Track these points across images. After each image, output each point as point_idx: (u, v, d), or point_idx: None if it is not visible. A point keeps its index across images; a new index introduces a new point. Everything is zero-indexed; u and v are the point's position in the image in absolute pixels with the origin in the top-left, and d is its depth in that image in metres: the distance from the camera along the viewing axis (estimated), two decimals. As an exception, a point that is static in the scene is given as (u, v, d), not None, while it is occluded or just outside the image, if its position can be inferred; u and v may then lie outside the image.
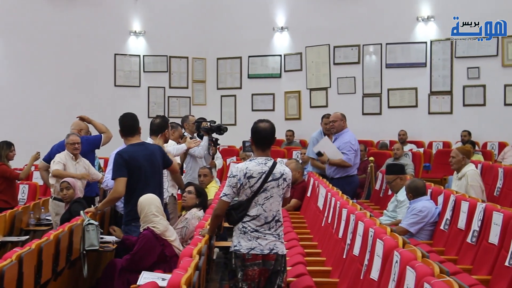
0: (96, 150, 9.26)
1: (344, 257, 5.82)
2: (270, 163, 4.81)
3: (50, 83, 16.07)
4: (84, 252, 6.31)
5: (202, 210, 7.04)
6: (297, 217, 9.43)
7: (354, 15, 15.89)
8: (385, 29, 15.58)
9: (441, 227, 6.99)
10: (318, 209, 8.36)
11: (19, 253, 4.96)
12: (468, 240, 6.24)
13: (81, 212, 6.64)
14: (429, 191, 7.70)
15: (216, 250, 8.31)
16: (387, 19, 15.58)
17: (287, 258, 5.02)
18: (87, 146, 8.69)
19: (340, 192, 7.79)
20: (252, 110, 17.03)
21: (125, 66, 16.89)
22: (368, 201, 10.78)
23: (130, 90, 16.90)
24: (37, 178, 11.63)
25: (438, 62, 15.11)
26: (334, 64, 16.20)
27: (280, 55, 16.96)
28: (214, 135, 9.37)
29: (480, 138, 14.35)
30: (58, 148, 8.54)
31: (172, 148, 7.96)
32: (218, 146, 9.79)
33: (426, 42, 15.24)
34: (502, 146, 13.74)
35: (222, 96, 17.54)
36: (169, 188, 7.77)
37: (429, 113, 15.29)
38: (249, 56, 17.19)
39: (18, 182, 10.54)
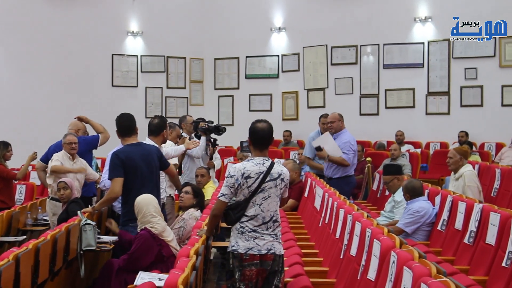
0: (94, 150, 9.25)
1: (341, 257, 5.83)
2: (268, 163, 4.81)
3: (47, 83, 16.06)
4: (81, 252, 6.31)
5: (199, 210, 7.04)
6: (294, 217, 9.44)
7: (351, 15, 15.90)
8: (383, 29, 15.59)
9: (438, 228, 7.00)
10: (315, 209, 8.36)
11: (16, 253, 4.95)
12: (465, 240, 6.25)
13: (78, 212, 6.63)
14: (426, 191, 7.70)
15: (214, 250, 8.30)
16: (384, 19, 15.59)
17: (284, 259, 5.02)
18: (85, 146, 8.68)
19: (337, 193, 7.78)
20: (250, 110, 17.04)
21: (122, 66, 16.88)
22: (365, 202, 10.79)
23: (128, 90, 16.89)
24: (34, 178, 11.61)
25: (435, 62, 15.13)
26: (332, 64, 16.21)
27: (278, 56, 16.96)
28: (213, 135, 9.37)
29: (478, 139, 14.36)
30: (56, 148, 8.53)
31: (170, 149, 7.96)
32: (216, 146, 9.78)
33: (423, 43, 15.26)
34: (499, 146, 13.75)
35: (219, 96, 17.53)
36: (167, 188, 7.77)
37: (427, 113, 15.31)
38: (247, 57, 17.19)
39: (16, 182, 10.54)
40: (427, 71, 15.20)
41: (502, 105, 14.42)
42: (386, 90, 15.70)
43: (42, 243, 5.46)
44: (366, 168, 11.40)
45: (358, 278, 4.96)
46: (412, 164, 12.70)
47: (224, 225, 6.78)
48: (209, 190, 8.73)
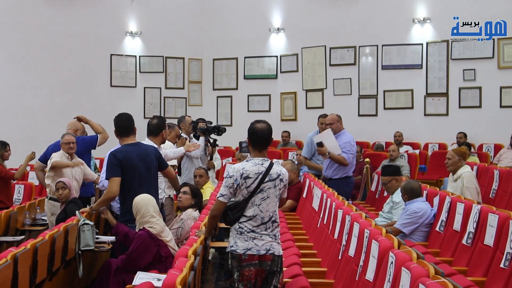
0: (92, 151, 9.25)
1: (339, 258, 5.83)
2: (266, 164, 4.81)
3: (46, 83, 16.07)
4: (80, 252, 6.30)
5: (197, 211, 7.04)
6: (292, 218, 9.43)
7: (350, 16, 15.91)
8: (381, 30, 15.60)
9: (437, 229, 7.00)
10: (313, 210, 8.36)
11: (14, 253, 4.94)
12: (464, 241, 6.25)
13: (77, 212, 6.63)
14: (424, 192, 7.71)
15: (212, 250, 8.30)
16: (383, 20, 15.60)
17: (283, 259, 5.02)
18: (83, 146, 8.68)
19: (336, 193, 7.78)
20: (248, 111, 17.05)
21: (121, 66, 16.88)
22: (363, 202, 10.79)
23: (126, 90, 16.89)
24: (32, 178, 11.60)
25: (434, 64, 15.13)
26: (330, 65, 16.22)
27: (276, 56, 16.97)
28: (213, 135, 9.37)
29: (476, 140, 14.37)
30: (54, 148, 8.52)
31: (169, 151, 7.95)
32: (216, 147, 9.77)
33: (422, 44, 15.27)
34: (497, 148, 13.76)
35: (218, 96, 17.55)
36: (166, 189, 7.76)
37: (425, 114, 15.31)
38: (245, 57, 17.21)
39: (14, 182, 10.54)
40: (425, 72, 15.22)
41: (501, 106, 14.43)
42: (384, 91, 15.72)
43: (40, 243, 5.45)
44: (364, 169, 11.39)
45: (356, 278, 4.96)
46: (411, 165, 12.71)
47: (223, 225, 6.78)
48: (207, 191, 8.73)
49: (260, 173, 4.75)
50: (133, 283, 5.06)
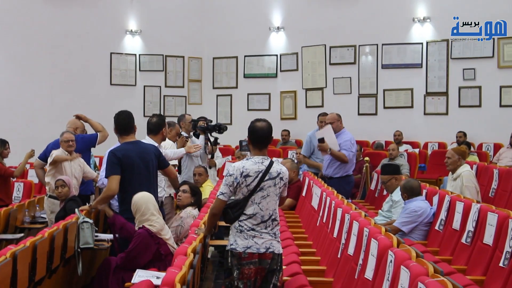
0: (92, 149, 9.25)
1: (338, 256, 5.83)
2: (266, 162, 4.81)
3: (46, 81, 16.06)
4: (79, 250, 6.30)
5: (197, 209, 7.04)
6: (292, 216, 9.44)
7: (350, 15, 15.90)
8: (381, 29, 15.59)
9: (436, 228, 7.01)
10: (313, 208, 8.37)
11: (13, 250, 4.95)
12: (463, 240, 6.25)
13: (76, 210, 6.63)
14: (424, 191, 7.71)
15: (211, 248, 8.30)
16: (383, 20, 15.58)
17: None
18: (83, 145, 8.68)
19: (335, 192, 7.79)
20: (248, 109, 17.04)
21: (121, 65, 16.88)
22: (363, 201, 10.81)
23: (126, 89, 16.88)
24: (32, 176, 11.62)
25: (434, 63, 15.13)
26: (330, 64, 16.21)
27: (276, 55, 16.96)
28: (214, 134, 9.37)
29: (476, 139, 14.37)
30: (54, 146, 8.53)
31: (170, 151, 7.95)
32: (217, 145, 9.78)
33: (422, 43, 15.26)
34: (497, 147, 13.77)
35: (218, 95, 17.54)
36: (166, 188, 7.76)
37: (425, 114, 15.31)
38: (245, 56, 17.20)
39: (13, 180, 10.54)
40: (425, 71, 15.21)
41: (500, 105, 14.42)
42: (384, 90, 15.71)
43: (40, 240, 5.45)
44: (364, 168, 11.40)
45: (356, 277, 4.96)
46: (410, 164, 12.72)
47: (222, 223, 6.78)
48: (207, 189, 8.73)
49: (260, 171, 4.75)
50: (132, 281, 5.06)
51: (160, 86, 17.17)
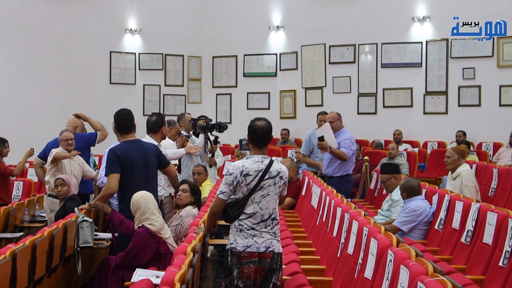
0: (92, 148, 9.25)
1: (338, 255, 5.83)
2: (266, 161, 4.81)
3: (45, 80, 16.06)
4: (78, 249, 6.30)
5: (196, 208, 7.03)
6: (291, 215, 9.44)
7: (350, 14, 15.89)
8: (381, 29, 15.59)
9: (436, 227, 7.01)
10: (312, 207, 8.36)
11: (13, 249, 4.95)
12: (462, 240, 6.25)
13: (76, 209, 6.63)
14: (423, 190, 7.71)
15: (211, 248, 8.30)
16: (382, 19, 15.58)
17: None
18: (82, 144, 8.68)
19: (335, 191, 7.78)
20: (248, 108, 17.04)
21: (120, 63, 16.87)
22: (362, 200, 10.81)
23: (126, 87, 16.87)
24: (31, 175, 11.63)
25: (433, 62, 15.12)
26: (330, 63, 16.21)
27: (276, 54, 16.96)
28: (215, 132, 9.37)
29: (475, 139, 14.36)
30: (53, 145, 8.54)
31: (170, 151, 7.95)
32: (217, 144, 9.78)
33: (421, 42, 15.25)
34: (497, 146, 13.77)
35: (217, 94, 17.55)
36: (166, 187, 7.76)
37: (424, 113, 15.30)
38: (245, 55, 17.20)
39: (13, 178, 10.54)
40: (425, 70, 15.20)
41: (500, 105, 14.41)
42: (384, 89, 15.71)
43: (39, 239, 5.45)
44: (363, 167, 11.40)
45: (355, 276, 4.96)
46: (410, 163, 12.72)
47: (222, 222, 6.79)
48: (206, 188, 8.73)
49: (260, 170, 4.75)
50: (131, 280, 5.05)
51: (159, 85, 17.17)
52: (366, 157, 11.75)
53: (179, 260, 4.50)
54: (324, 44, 16.23)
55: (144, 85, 17.05)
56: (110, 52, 16.72)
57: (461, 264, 6.01)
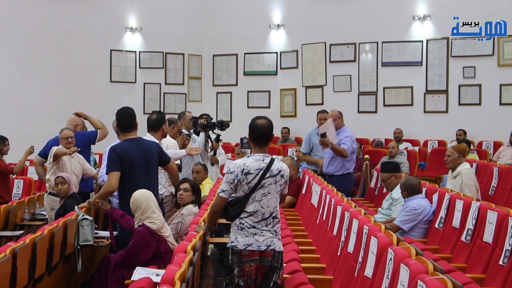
0: (92, 146, 9.24)
1: (338, 254, 5.83)
2: (267, 160, 4.81)
3: (46, 78, 16.05)
4: (79, 247, 6.30)
5: (197, 206, 7.03)
6: (292, 214, 9.44)
7: (350, 13, 15.90)
8: (381, 27, 15.59)
9: (436, 225, 7.01)
10: (312, 206, 8.36)
11: (13, 247, 4.95)
12: (463, 238, 6.25)
13: (76, 207, 6.62)
14: (424, 189, 7.70)
15: (211, 246, 8.30)
16: (383, 17, 15.59)
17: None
18: (83, 142, 8.67)
19: (335, 190, 7.78)
20: (248, 107, 17.05)
21: (121, 62, 16.87)
22: (363, 199, 10.82)
23: (126, 86, 16.88)
24: (32, 173, 11.62)
25: (434, 61, 15.13)
26: (330, 62, 16.22)
27: (276, 53, 16.96)
28: (216, 130, 9.37)
29: (475, 137, 14.37)
30: (54, 143, 8.53)
31: (170, 151, 7.93)
32: (219, 142, 9.77)
33: (422, 41, 15.26)
34: (497, 145, 13.77)
35: (218, 93, 17.55)
36: (167, 186, 7.75)
37: (425, 111, 15.31)
38: (245, 53, 17.20)
39: (13, 176, 10.54)
40: (425, 69, 15.21)
41: (500, 103, 14.42)
42: (384, 88, 15.72)
43: (39, 237, 5.45)
44: (364, 166, 11.41)
45: (355, 275, 4.96)
46: (410, 162, 12.73)
47: (223, 221, 6.79)
48: (206, 186, 8.72)
49: (261, 169, 4.75)
50: (131, 278, 5.05)
51: (160, 83, 17.17)
52: (367, 156, 11.76)
53: (179, 258, 4.50)
54: (325, 42, 16.23)
55: (144, 83, 17.05)
56: (111, 50, 16.72)
57: (461, 263, 6.01)
